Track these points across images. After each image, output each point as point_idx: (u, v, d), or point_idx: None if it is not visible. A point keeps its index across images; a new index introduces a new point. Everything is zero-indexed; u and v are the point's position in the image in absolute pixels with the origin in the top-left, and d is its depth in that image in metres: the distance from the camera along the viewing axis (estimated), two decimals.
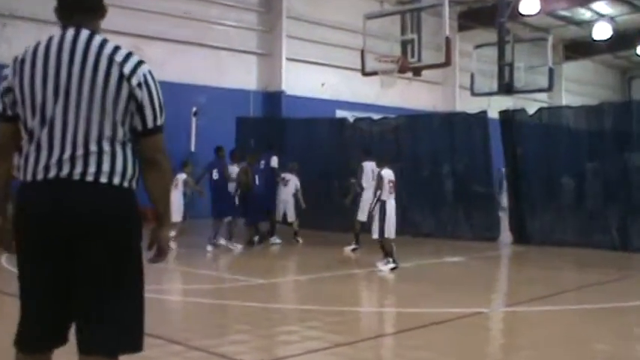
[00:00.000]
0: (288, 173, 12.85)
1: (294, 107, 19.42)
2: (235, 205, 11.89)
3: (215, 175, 11.79)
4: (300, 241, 12.63)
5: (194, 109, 17.78)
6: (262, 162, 12.51)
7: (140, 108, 2.55)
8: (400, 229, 13.75)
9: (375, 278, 8.97)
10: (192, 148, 17.72)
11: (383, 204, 9.56)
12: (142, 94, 2.55)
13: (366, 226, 11.39)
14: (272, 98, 20.03)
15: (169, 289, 7.72)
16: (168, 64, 17.53)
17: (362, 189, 11.63)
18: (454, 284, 8.39)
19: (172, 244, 10.73)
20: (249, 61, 19.81)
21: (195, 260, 10.38)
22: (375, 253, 9.89)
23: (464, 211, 14.13)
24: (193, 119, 17.83)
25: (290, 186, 12.74)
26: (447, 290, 7.90)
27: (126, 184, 2.55)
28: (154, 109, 2.57)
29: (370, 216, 9.77)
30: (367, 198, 11.29)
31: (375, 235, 9.43)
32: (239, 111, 18.14)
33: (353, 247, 11.24)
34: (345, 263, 10.37)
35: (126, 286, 2.42)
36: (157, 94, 2.57)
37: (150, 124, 2.57)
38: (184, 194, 11.54)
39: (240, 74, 19.54)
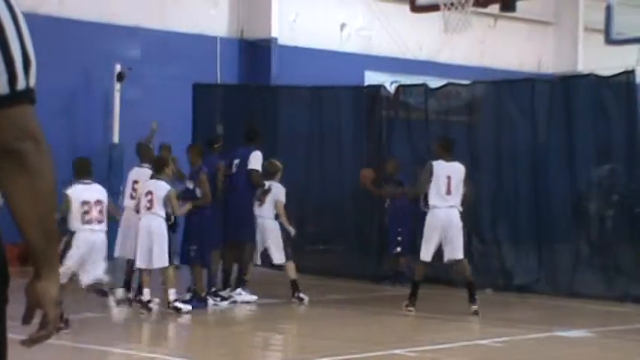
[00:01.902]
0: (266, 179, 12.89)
1: (293, 67, 19.43)
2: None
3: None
4: (304, 298, 12.61)
5: (118, 68, 17.81)
6: (235, 161, 12.62)
7: None
8: (478, 278, 13.79)
9: None
10: (115, 138, 17.75)
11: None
12: None
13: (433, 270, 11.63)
14: (255, 51, 20.06)
15: None
16: None
17: (428, 206, 11.81)
18: None
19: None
20: None
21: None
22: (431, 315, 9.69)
23: (592, 250, 14.12)
24: (116, 87, 17.86)
25: (269, 202, 12.73)
26: None
27: None
28: (10, 63, 2.47)
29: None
30: (437, 222, 11.63)
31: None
32: (198, 73, 18.15)
33: (406, 303, 12.07)
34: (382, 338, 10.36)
35: None
36: (18, 35, 2.45)
37: (3, 88, 2.45)
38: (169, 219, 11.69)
39: (199, 10, 19.59)
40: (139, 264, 11.60)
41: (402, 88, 16.04)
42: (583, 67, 23.48)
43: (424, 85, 15.77)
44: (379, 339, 10.55)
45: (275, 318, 12.00)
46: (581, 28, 24.88)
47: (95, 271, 10.24)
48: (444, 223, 11.65)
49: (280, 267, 12.89)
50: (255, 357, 9.77)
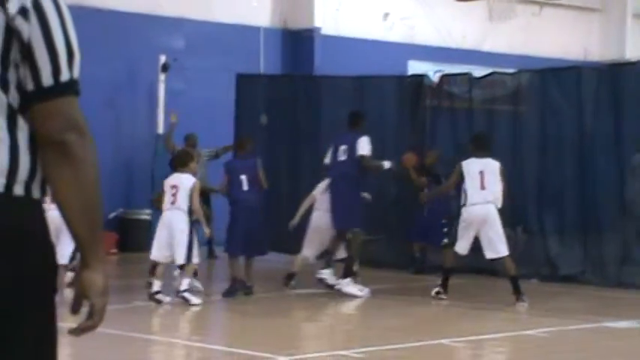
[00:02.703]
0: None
1: (336, 56, 19.41)
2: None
3: (245, 183, 12.27)
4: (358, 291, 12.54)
5: (162, 59, 17.92)
6: (342, 147, 12.44)
7: (29, 53, 2.45)
8: (524, 269, 13.74)
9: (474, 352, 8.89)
10: (160, 129, 17.86)
11: None
12: (29, 29, 2.45)
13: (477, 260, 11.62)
14: (297, 41, 20.08)
15: None
16: None
17: (465, 201, 11.83)
18: None
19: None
20: None
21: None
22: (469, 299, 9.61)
23: None
24: (161, 77, 17.97)
25: (322, 188, 12.79)
26: None
27: (18, 189, 2.48)
28: (54, 55, 2.47)
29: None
30: (472, 218, 11.63)
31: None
32: (241, 63, 18.21)
33: (437, 290, 12.12)
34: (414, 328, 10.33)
35: None
36: (62, 27, 2.46)
37: (47, 79, 2.47)
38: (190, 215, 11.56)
39: (243, 1, 19.62)
40: (154, 256, 11.51)
41: (445, 78, 15.96)
42: (631, 54, 23.17)
43: (468, 74, 15.68)
44: (424, 329, 10.55)
45: (319, 308, 12.03)
46: (630, 15, 24.56)
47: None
48: (480, 219, 11.62)
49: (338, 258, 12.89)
50: (299, 347, 9.79)
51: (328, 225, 12.50)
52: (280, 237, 14.95)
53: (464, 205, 11.73)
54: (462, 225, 11.77)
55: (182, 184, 11.44)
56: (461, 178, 11.86)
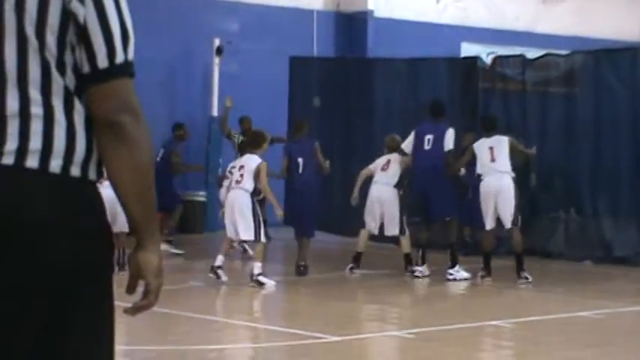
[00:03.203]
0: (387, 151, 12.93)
1: (389, 39, 19.33)
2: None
3: (300, 166, 12.40)
4: (420, 271, 12.51)
5: (217, 42, 17.97)
6: (428, 137, 12.46)
7: (84, 35, 2.47)
8: (577, 251, 13.61)
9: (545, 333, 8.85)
10: (214, 111, 17.95)
11: None
12: (85, 11, 2.47)
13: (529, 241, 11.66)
14: (350, 24, 20.02)
15: None
16: None
17: (479, 178, 12.09)
18: None
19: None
20: None
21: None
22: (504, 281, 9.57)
23: None
24: (216, 61, 18.04)
25: (392, 169, 12.74)
26: None
27: (75, 171, 2.50)
28: (109, 37, 2.49)
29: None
30: (489, 189, 11.90)
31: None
32: (295, 46, 18.21)
33: (481, 273, 12.21)
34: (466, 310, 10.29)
35: None
36: (117, 9, 2.48)
37: (103, 61, 2.49)
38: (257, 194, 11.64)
39: None
40: (228, 233, 11.61)
41: (498, 60, 15.83)
42: None
43: (521, 56, 15.54)
44: (475, 310, 10.50)
45: (371, 289, 12.04)
46: None
47: None
48: (495, 190, 11.90)
49: (396, 239, 12.87)
50: (351, 327, 9.81)
51: (388, 197, 12.52)
52: (333, 219, 14.94)
53: (480, 181, 12.05)
54: (482, 201, 12.03)
55: (247, 164, 11.57)
56: (474, 159, 12.21)
